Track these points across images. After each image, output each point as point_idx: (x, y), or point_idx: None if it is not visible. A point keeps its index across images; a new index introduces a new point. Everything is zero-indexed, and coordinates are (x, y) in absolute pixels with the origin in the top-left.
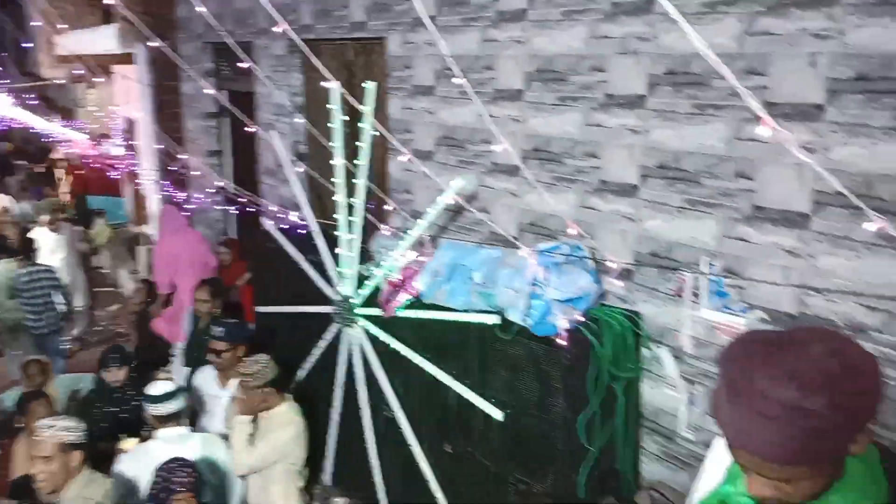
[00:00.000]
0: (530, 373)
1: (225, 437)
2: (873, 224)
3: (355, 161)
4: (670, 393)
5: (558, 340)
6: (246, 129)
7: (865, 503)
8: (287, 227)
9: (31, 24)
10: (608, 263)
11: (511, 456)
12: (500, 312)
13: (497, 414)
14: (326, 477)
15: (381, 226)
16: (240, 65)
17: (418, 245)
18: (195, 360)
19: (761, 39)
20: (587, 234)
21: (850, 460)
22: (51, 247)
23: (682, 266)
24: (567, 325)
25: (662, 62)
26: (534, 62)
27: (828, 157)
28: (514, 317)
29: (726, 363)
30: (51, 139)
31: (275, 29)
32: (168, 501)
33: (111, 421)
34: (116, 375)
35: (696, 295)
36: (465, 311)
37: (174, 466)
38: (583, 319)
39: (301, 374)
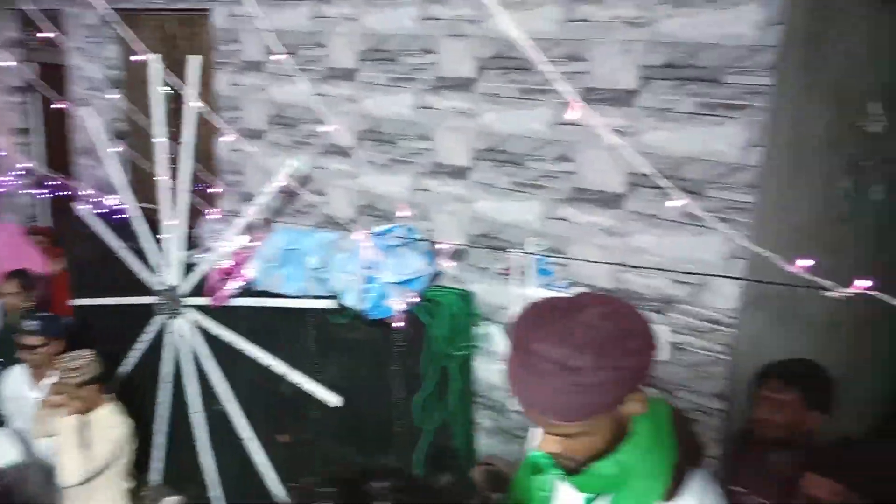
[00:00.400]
0: (367, 356)
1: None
2: (676, 202)
3: (180, 140)
4: (501, 368)
5: (394, 323)
6: (57, 105)
7: (650, 460)
8: (104, 211)
9: None
10: (440, 245)
11: (350, 441)
12: (335, 297)
13: (334, 400)
14: (155, 476)
15: (209, 209)
16: (45, 35)
17: (250, 229)
18: (5, 358)
19: (580, 26)
20: (421, 216)
21: (640, 420)
22: None
23: (511, 246)
24: (402, 308)
25: (490, 46)
26: (366, 41)
27: (640, 141)
28: (350, 301)
29: (513, 329)
30: None
31: None
32: None
33: None
34: None
35: (523, 273)
36: (300, 296)
37: (24, 468)
38: (417, 301)
39: (124, 369)
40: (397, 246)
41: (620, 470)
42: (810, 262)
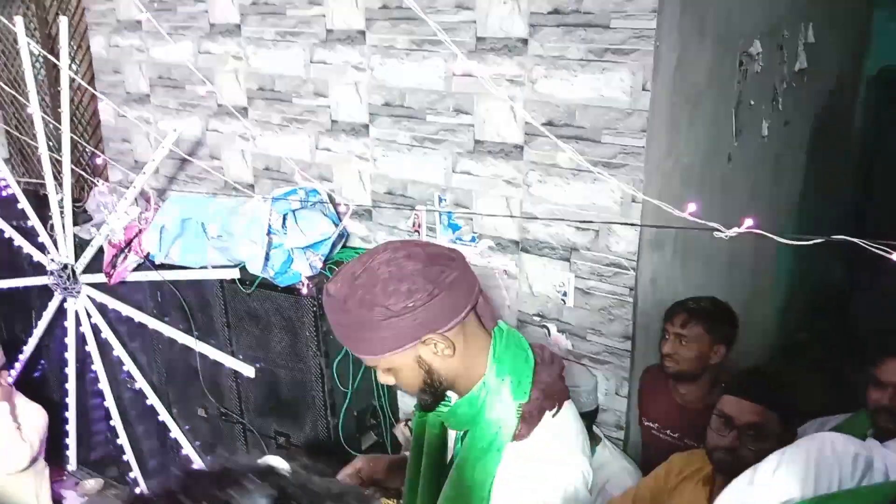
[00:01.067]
0: (278, 325)
1: None
2: (565, 154)
3: (59, 109)
4: None
5: (303, 288)
6: None
7: (499, 400)
8: None
9: None
10: (343, 206)
11: (268, 411)
12: (239, 266)
13: (248, 371)
14: (72, 462)
15: (97, 181)
16: None
17: (142, 200)
18: None
19: None
20: (323, 177)
21: (495, 362)
22: None
23: (417, 202)
24: (310, 272)
25: None
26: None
27: (534, 90)
28: (255, 269)
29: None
30: None
31: None
32: None
33: None
34: None
35: (431, 229)
36: (202, 268)
37: None
38: (325, 264)
39: (24, 355)
40: (300, 209)
41: (473, 408)
42: (694, 207)
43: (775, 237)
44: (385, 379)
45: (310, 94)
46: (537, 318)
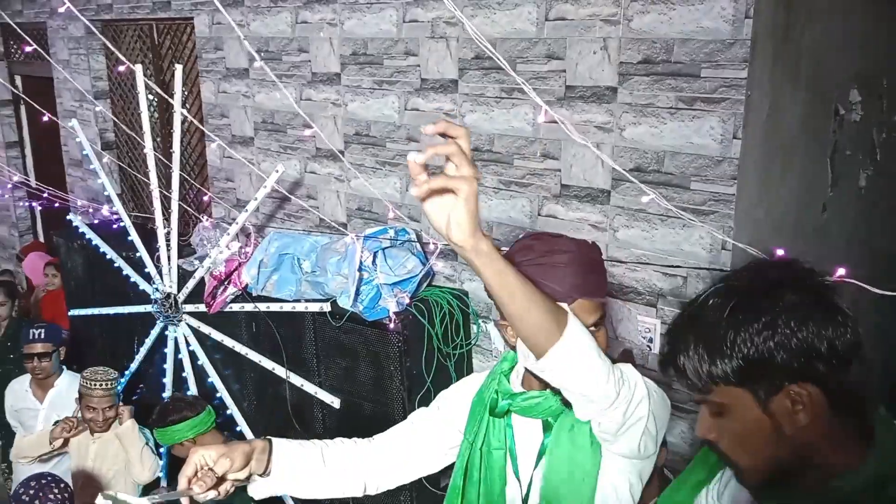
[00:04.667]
0: (365, 358)
1: None
2: (647, 197)
3: (170, 149)
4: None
5: (390, 324)
6: (46, 118)
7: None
8: (97, 222)
9: None
10: (431, 245)
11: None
12: (331, 300)
13: (334, 402)
14: (163, 482)
15: (202, 217)
16: (29, 49)
17: (243, 236)
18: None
19: (557, 24)
20: (412, 217)
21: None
22: None
23: (501, 243)
24: (397, 308)
25: (470, 47)
26: (348, 45)
27: (622, 136)
28: (345, 303)
29: (522, 254)
30: None
31: (60, 10)
32: None
33: None
34: None
35: None
36: (296, 300)
37: (45, 483)
38: (412, 301)
39: (125, 378)
40: (389, 247)
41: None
42: (782, 252)
43: (870, 288)
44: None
45: (402, 139)
46: None
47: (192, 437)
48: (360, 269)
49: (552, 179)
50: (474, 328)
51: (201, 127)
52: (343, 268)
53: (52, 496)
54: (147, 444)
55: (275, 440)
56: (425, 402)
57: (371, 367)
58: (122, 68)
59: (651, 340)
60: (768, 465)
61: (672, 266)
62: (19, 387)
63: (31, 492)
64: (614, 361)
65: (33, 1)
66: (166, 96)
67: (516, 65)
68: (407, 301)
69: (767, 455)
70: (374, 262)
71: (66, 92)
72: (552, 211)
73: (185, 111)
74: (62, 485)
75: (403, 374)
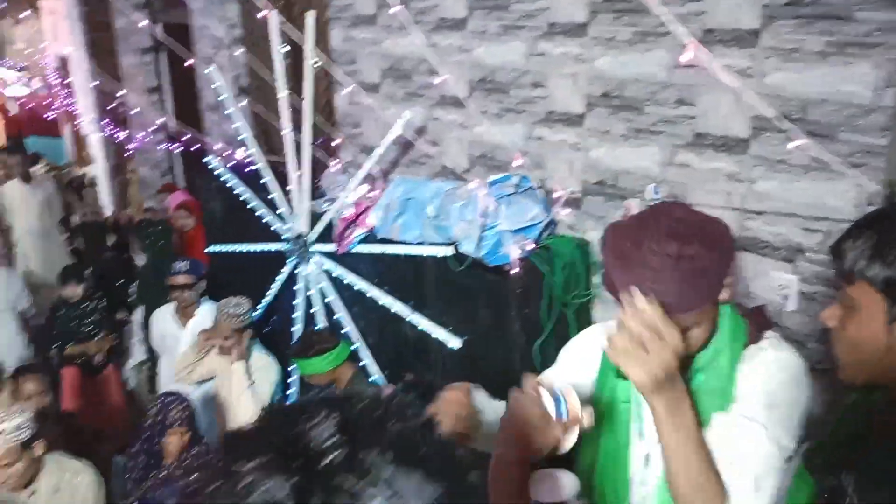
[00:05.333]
0: (485, 302)
1: None
2: (795, 143)
3: (301, 94)
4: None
5: (511, 270)
6: (186, 63)
7: (734, 335)
8: (234, 164)
9: None
10: (556, 193)
11: (469, 381)
12: (453, 244)
13: (455, 342)
14: None
15: (331, 161)
16: None
17: (370, 180)
18: (150, 297)
19: None
20: (535, 164)
21: (721, 319)
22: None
23: (628, 193)
24: (519, 255)
25: None
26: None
27: (764, 83)
28: (468, 248)
29: (612, 243)
30: None
31: None
32: (162, 435)
33: (70, 332)
34: (74, 291)
35: None
36: (419, 244)
37: (170, 401)
38: (534, 248)
39: (256, 314)
40: (513, 194)
41: (713, 355)
42: None
43: None
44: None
45: (527, 85)
46: None
47: (329, 369)
48: (483, 215)
49: (686, 127)
50: (595, 278)
51: (333, 74)
52: (467, 214)
53: (174, 412)
54: (251, 387)
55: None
56: (544, 349)
57: (491, 313)
58: (263, 13)
59: (786, 297)
60: (866, 371)
61: (820, 219)
62: (164, 314)
63: (159, 406)
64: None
65: None
66: (302, 43)
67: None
68: (530, 248)
69: (870, 363)
70: (496, 208)
71: (203, 39)
72: (685, 160)
73: (316, 58)
74: (185, 403)
75: (522, 320)
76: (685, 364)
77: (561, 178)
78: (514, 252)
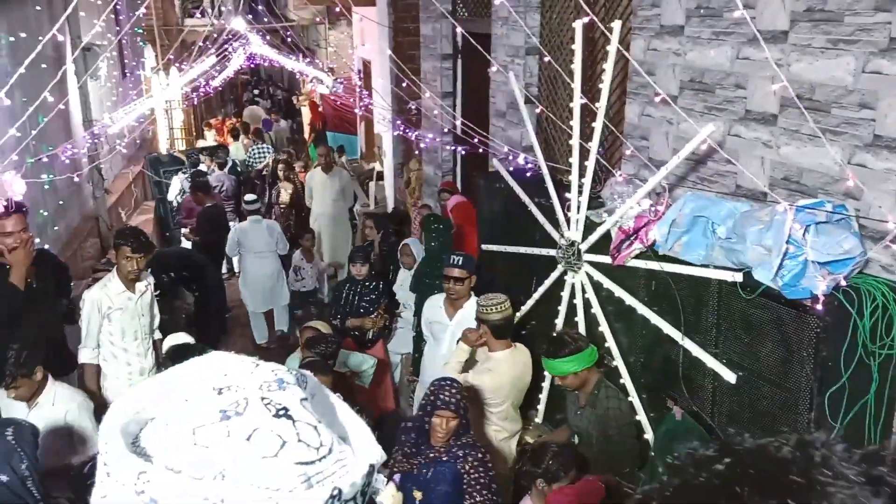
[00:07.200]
0: (773, 337)
1: None
2: None
3: (595, 104)
4: None
5: (812, 305)
6: (488, 69)
7: None
8: (513, 168)
9: None
10: (884, 226)
11: (742, 421)
12: (743, 270)
13: (729, 376)
14: (539, 416)
15: (616, 171)
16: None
17: (653, 194)
18: (424, 286)
19: None
20: (850, 194)
21: None
22: (326, 190)
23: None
24: (825, 290)
25: None
26: (802, 1)
27: None
28: (762, 276)
29: None
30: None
31: None
32: (431, 415)
33: (355, 304)
34: (360, 270)
35: None
36: (704, 265)
37: (444, 384)
38: (843, 285)
39: (519, 314)
40: (824, 223)
41: None
42: None
43: None
44: None
45: (853, 106)
46: None
47: (577, 371)
48: (787, 242)
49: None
50: None
51: (627, 84)
52: (765, 238)
53: (445, 394)
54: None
55: None
56: (833, 399)
57: (778, 349)
58: (579, 23)
59: None
60: None
61: None
62: (435, 303)
63: (433, 388)
64: None
65: None
66: (619, 52)
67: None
68: (840, 284)
69: None
70: (803, 235)
71: (501, 48)
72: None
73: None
74: (456, 388)
75: (817, 362)
76: None
77: (882, 211)
78: (818, 286)
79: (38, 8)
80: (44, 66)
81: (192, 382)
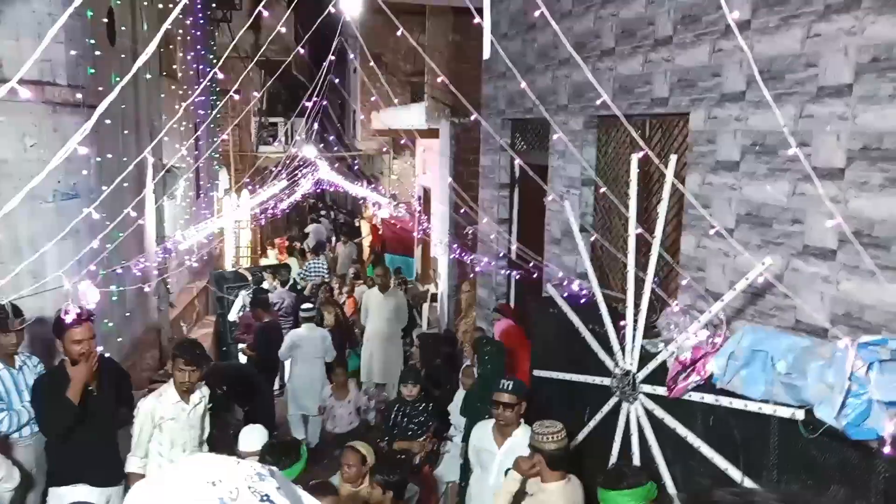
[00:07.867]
0: (837, 479)
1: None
2: None
3: (651, 234)
4: None
5: (878, 447)
6: (544, 198)
7: None
8: (567, 295)
9: (352, 104)
10: None
11: None
12: (805, 407)
13: None
14: None
15: (671, 301)
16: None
17: (711, 326)
18: (474, 410)
19: None
20: None
21: None
22: (381, 310)
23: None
24: (891, 432)
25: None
26: (858, 139)
27: None
28: (824, 414)
29: None
30: (358, 201)
31: (598, 102)
32: None
33: (404, 426)
34: (411, 391)
35: None
36: (764, 401)
37: None
38: None
39: (574, 444)
40: (889, 361)
41: None
42: None
43: None
44: None
45: None
46: None
47: None
48: (849, 379)
49: None
50: None
51: (684, 217)
52: (828, 375)
53: None
54: None
55: None
56: None
57: (842, 493)
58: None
59: None
60: None
61: None
62: (484, 430)
63: None
64: None
65: (542, 101)
66: (674, 184)
67: None
68: None
69: None
70: (867, 373)
71: (558, 178)
72: None
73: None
74: None
75: None
76: None
77: None
78: (886, 427)
79: (125, 132)
80: (126, 184)
81: (186, 480)
